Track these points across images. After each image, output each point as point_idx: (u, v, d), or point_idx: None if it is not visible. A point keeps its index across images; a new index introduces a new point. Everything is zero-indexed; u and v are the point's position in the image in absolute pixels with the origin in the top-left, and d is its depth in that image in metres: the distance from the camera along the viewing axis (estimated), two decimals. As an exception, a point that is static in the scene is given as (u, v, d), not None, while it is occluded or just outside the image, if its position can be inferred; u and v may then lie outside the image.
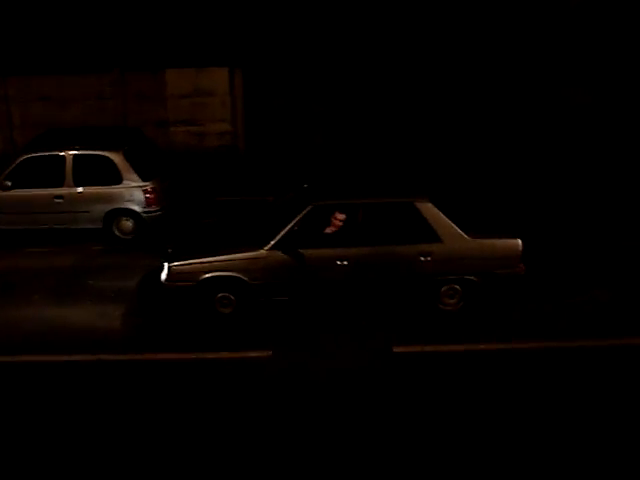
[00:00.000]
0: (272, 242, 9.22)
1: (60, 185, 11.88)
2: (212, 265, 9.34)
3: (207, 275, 9.32)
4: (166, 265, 9.49)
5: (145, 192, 11.89)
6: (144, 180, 11.93)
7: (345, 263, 9.24)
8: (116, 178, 11.85)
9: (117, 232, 12.13)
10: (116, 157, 11.84)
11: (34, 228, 12.16)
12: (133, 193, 11.89)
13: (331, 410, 7.75)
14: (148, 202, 11.93)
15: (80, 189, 11.93)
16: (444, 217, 9.22)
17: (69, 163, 11.85)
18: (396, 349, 8.90)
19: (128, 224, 12.06)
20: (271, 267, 9.26)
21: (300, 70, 15.71)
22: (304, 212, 9.26)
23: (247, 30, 15.29)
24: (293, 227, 9.24)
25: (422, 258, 9.25)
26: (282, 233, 9.21)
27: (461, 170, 14.02)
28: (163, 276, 9.50)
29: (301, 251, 9.22)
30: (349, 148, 15.46)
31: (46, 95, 15.76)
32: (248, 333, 9.36)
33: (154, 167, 12.42)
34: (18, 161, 11.99)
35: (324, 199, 9.55)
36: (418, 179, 10.61)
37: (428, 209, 9.21)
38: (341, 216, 9.38)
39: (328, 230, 9.49)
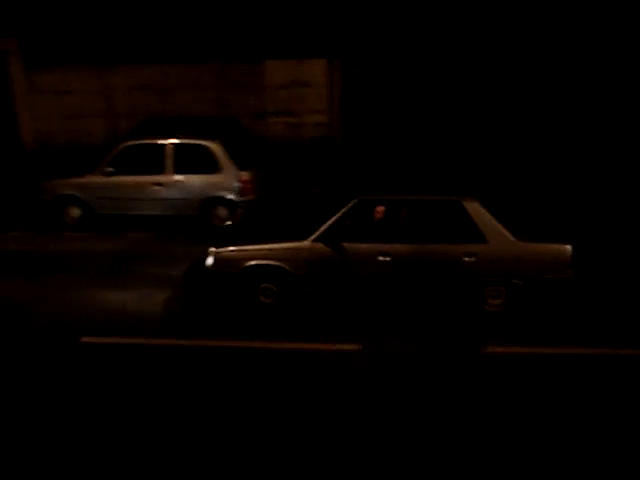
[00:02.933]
0: (316, 234, 9.24)
1: (160, 173, 12.13)
2: (256, 253, 9.40)
3: (251, 263, 9.37)
4: (212, 250, 9.54)
5: (241, 181, 11.99)
6: (241, 169, 12.03)
7: (388, 259, 9.17)
8: (213, 167, 12.00)
9: (213, 220, 12.28)
10: (214, 146, 11.99)
11: (133, 214, 12.47)
12: (229, 182, 12.01)
13: (424, 407, 7.59)
14: (244, 191, 12.03)
15: (179, 177, 12.14)
16: (491, 218, 9.08)
17: (169, 152, 12.08)
18: (485, 350, 8.66)
19: (224, 212, 12.19)
20: (313, 259, 9.28)
21: (398, 64, 15.50)
22: (349, 205, 9.24)
23: (347, 22, 15.18)
24: (337, 220, 9.24)
25: (466, 258, 9.12)
26: (326, 225, 9.24)
27: (522, 172, 13.59)
28: (209, 261, 9.53)
29: (344, 244, 9.21)
30: (440, 145, 15.20)
31: (148, 84, 16.12)
32: (292, 323, 9.36)
33: (251, 157, 12.52)
34: (120, 148, 12.31)
35: (370, 193, 9.51)
36: (472, 179, 10.34)
37: (475, 209, 9.08)
38: (380, 208, 9.39)
39: (369, 223, 9.51)
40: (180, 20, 15.45)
